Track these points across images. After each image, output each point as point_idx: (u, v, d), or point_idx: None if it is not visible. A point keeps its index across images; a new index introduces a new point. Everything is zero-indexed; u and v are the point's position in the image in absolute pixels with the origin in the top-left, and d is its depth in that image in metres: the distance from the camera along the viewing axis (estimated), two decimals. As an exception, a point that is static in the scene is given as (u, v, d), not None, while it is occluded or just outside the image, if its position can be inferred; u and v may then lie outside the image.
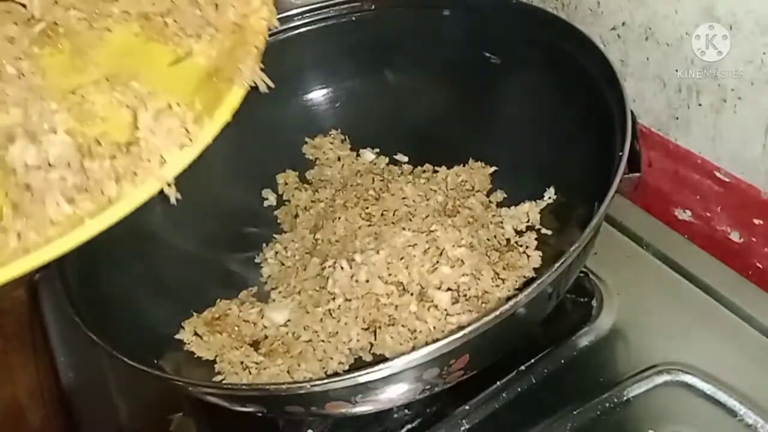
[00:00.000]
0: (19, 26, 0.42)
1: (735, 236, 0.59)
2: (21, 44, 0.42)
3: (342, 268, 0.54)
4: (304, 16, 0.66)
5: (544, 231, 0.58)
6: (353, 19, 0.67)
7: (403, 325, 0.51)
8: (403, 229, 0.56)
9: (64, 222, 0.36)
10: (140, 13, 0.45)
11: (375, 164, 0.68)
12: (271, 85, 0.43)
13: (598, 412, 0.50)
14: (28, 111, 0.38)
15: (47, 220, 0.36)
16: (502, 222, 0.59)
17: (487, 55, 0.64)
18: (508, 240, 0.58)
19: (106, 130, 0.39)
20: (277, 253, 0.62)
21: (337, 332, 0.52)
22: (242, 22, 0.44)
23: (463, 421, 0.51)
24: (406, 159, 0.68)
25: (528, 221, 0.59)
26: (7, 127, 0.38)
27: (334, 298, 0.53)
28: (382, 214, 0.60)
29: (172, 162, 0.38)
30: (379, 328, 0.52)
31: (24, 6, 0.43)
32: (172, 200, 0.38)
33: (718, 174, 0.58)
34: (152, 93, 0.40)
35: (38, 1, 0.42)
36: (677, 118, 0.59)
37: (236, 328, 0.54)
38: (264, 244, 0.64)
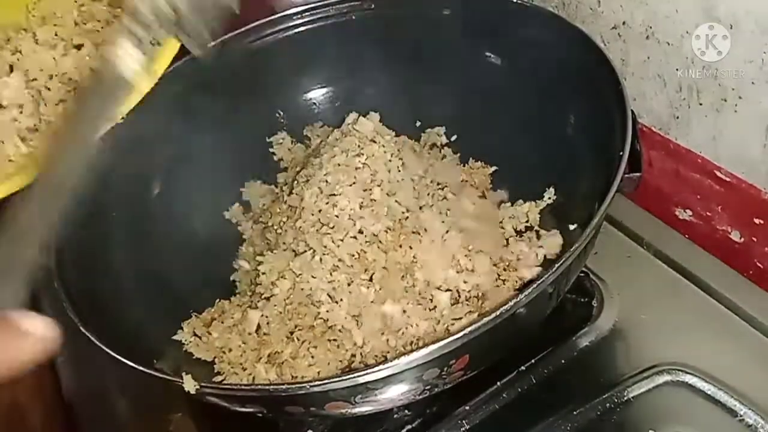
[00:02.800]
0: None
1: (735, 236, 0.59)
2: None
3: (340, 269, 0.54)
4: (304, 15, 0.66)
5: (543, 231, 0.58)
6: (353, 18, 0.67)
7: (403, 325, 0.51)
8: (403, 229, 0.56)
9: (20, 160, 0.39)
10: None
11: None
12: None
13: (599, 412, 0.50)
14: None
15: (6, 158, 0.39)
16: (502, 222, 0.59)
17: (487, 54, 0.64)
18: (508, 240, 0.58)
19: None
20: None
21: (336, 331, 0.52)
22: None
23: (463, 421, 0.51)
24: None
25: (528, 221, 0.59)
26: None
27: (333, 299, 0.53)
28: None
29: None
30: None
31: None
32: None
33: (718, 173, 0.58)
34: None
35: None
36: (678, 118, 0.59)
37: (235, 329, 0.54)
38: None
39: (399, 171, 0.59)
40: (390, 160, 0.59)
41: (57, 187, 0.33)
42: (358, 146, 0.58)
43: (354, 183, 0.56)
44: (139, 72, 0.38)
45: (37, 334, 0.28)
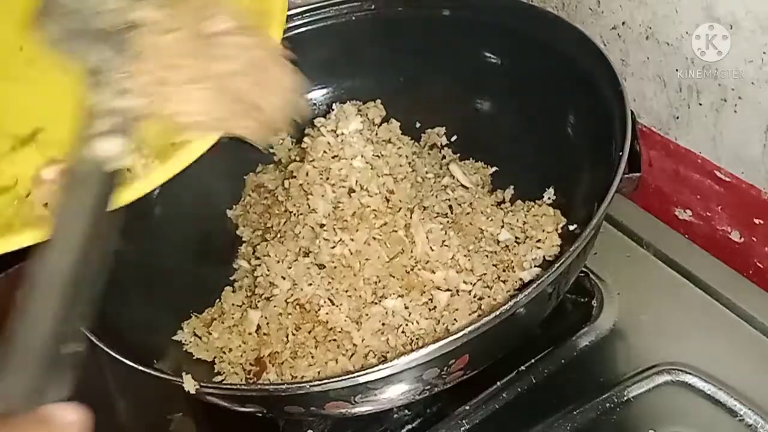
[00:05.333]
0: None
1: (735, 236, 0.59)
2: None
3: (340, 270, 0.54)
4: (304, 16, 0.66)
5: (543, 231, 0.58)
6: (353, 19, 0.67)
7: (402, 325, 0.51)
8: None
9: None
10: None
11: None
12: None
13: (598, 412, 0.50)
14: None
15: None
16: (501, 222, 0.59)
17: (487, 55, 0.64)
18: (507, 240, 0.58)
19: None
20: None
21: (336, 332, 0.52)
22: None
23: (463, 421, 0.51)
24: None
25: (528, 221, 0.59)
26: None
27: (332, 301, 0.53)
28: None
29: None
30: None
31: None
32: None
33: (718, 173, 0.58)
34: None
35: None
36: (677, 118, 0.59)
37: (235, 329, 0.54)
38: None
39: (399, 171, 0.59)
40: (389, 161, 0.60)
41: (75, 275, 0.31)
42: (357, 148, 0.58)
43: (353, 184, 0.56)
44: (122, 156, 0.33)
45: (74, 427, 0.29)
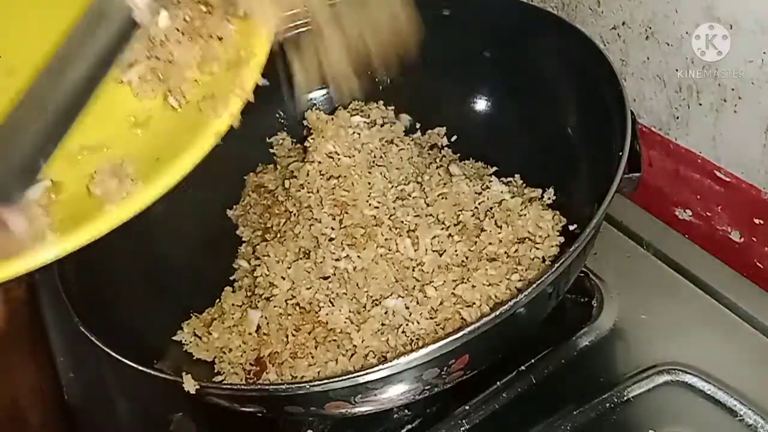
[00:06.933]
0: None
1: (735, 236, 0.59)
2: None
3: (341, 269, 0.54)
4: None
5: (543, 231, 0.58)
6: (353, 18, 0.66)
7: (402, 325, 0.51)
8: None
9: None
10: None
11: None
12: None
13: (598, 412, 0.50)
14: None
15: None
16: (502, 222, 0.59)
17: (487, 55, 0.64)
18: (507, 240, 0.58)
19: None
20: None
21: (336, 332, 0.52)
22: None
23: (463, 421, 0.51)
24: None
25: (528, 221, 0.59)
26: None
27: (332, 301, 0.53)
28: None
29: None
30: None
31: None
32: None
33: (718, 174, 0.58)
34: None
35: None
36: (677, 118, 0.59)
37: (236, 329, 0.54)
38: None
39: (403, 173, 0.59)
40: (391, 162, 0.59)
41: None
42: (356, 148, 0.58)
43: (352, 184, 0.56)
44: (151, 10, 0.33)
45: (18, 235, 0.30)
